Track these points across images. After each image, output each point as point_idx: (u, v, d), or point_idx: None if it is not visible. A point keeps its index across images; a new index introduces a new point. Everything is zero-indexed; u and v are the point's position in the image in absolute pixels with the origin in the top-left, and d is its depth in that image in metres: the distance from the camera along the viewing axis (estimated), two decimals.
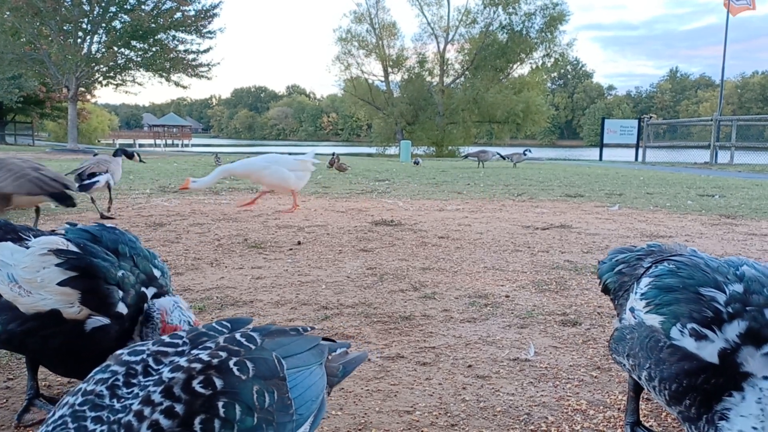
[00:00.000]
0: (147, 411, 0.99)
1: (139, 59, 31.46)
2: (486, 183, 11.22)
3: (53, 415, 1.03)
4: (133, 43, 30.74)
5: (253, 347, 1.16)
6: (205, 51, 34.07)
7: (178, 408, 1.00)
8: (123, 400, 1.03)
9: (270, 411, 1.08)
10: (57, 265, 1.60)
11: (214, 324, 1.26)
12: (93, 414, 1.00)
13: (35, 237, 1.77)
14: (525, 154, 18.48)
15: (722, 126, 21.94)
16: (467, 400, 2.02)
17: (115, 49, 29.99)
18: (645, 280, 1.61)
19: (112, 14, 30.06)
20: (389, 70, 46.03)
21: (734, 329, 1.33)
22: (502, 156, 19.38)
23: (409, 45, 50.51)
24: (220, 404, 1.02)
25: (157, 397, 1.01)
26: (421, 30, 50.57)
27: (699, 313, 1.38)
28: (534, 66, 45.52)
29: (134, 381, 1.06)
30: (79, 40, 29.50)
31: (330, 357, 1.40)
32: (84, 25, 29.70)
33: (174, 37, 31.83)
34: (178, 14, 30.52)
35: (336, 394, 2.05)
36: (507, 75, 45.18)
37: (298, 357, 1.24)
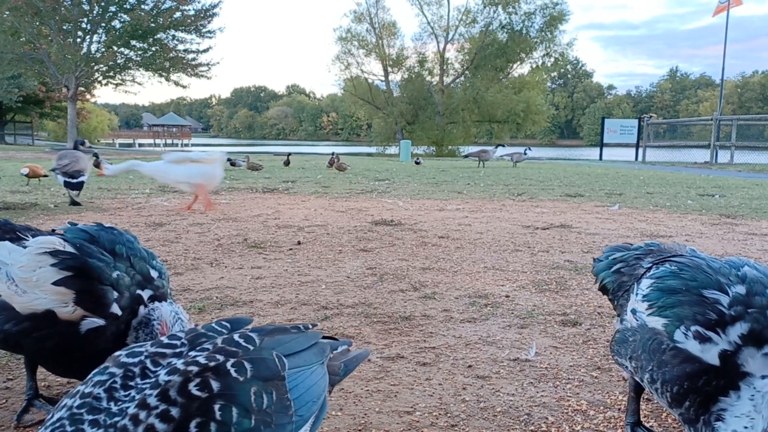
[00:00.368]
0: (143, 415, 0.98)
1: (138, 59, 31.44)
2: (486, 183, 11.21)
3: (51, 417, 1.03)
4: (133, 42, 30.73)
5: (252, 348, 1.15)
6: (205, 50, 34.09)
7: (174, 411, 0.99)
8: (120, 403, 1.02)
9: (268, 412, 1.07)
10: (52, 264, 1.61)
11: (213, 324, 1.25)
12: (90, 417, 1.00)
13: (33, 237, 1.77)
14: (525, 153, 18.48)
15: (722, 125, 21.94)
16: (467, 400, 2.02)
17: (115, 48, 29.98)
18: (646, 282, 1.60)
19: (111, 14, 30.04)
20: (389, 69, 46.00)
21: (737, 331, 1.32)
22: (500, 145, 19.52)
23: (409, 44, 50.43)
24: (217, 407, 1.01)
25: (153, 401, 1.00)
26: (421, 29, 50.58)
27: (703, 316, 1.38)
28: (534, 66, 45.53)
29: (132, 383, 1.05)
30: (78, 40, 29.49)
31: (332, 355, 1.38)
32: (83, 25, 29.69)
33: (173, 36, 31.82)
34: (178, 14, 30.51)
35: (336, 394, 2.04)
36: (507, 75, 45.15)
37: (299, 356, 1.23)
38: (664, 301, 1.49)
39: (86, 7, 28.96)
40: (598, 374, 2.25)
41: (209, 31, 31.88)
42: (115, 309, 1.61)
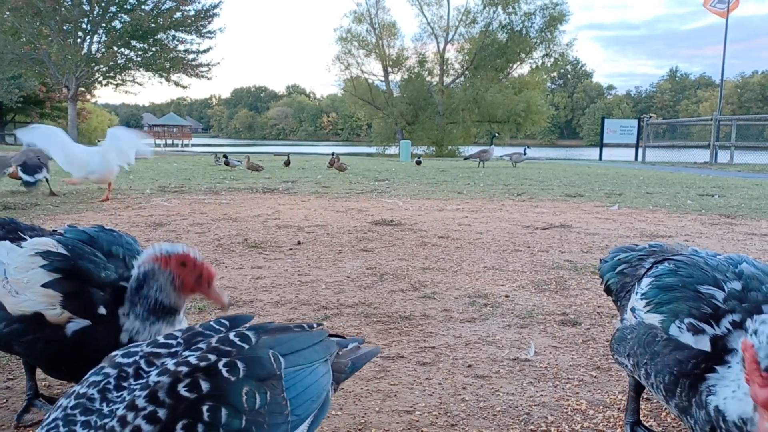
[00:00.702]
0: (130, 416, 0.98)
1: (138, 59, 31.48)
2: (486, 183, 11.22)
3: (48, 417, 1.03)
4: (133, 43, 30.77)
5: (247, 347, 1.14)
6: (205, 51, 34.13)
7: (161, 413, 0.98)
8: (112, 404, 1.02)
9: (261, 412, 1.06)
10: (42, 266, 1.62)
11: (212, 323, 1.24)
12: (83, 418, 1.00)
13: (33, 237, 1.79)
14: (525, 153, 18.48)
15: (722, 126, 21.94)
16: (467, 399, 2.02)
17: (115, 49, 30.02)
18: (646, 281, 1.62)
19: (112, 14, 30.08)
20: (389, 69, 45.99)
21: (728, 320, 1.35)
22: (496, 134, 19.68)
23: (409, 45, 50.48)
24: (205, 408, 1.01)
25: (141, 402, 1.00)
26: (421, 30, 50.52)
27: (698, 310, 1.40)
28: (534, 66, 45.52)
29: (125, 384, 1.05)
30: (78, 40, 29.52)
31: (340, 353, 1.37)
32: (84, 25, 29.73)
33: (174, 37, 31.87)
34: (178, 14, 30.55)
35: (336, 393, 2.05)
36: (507, 75, 45.14)
37: (299, 354, 1.21)
38: (661, 297, 1.51)
39: (86, 7, 28.99)
40: (598, 374, 2.25)
41: (209, 32, 31.94)
42: (102, 310, 1.61)
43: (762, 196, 8.96)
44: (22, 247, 1.69)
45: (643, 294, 1.59)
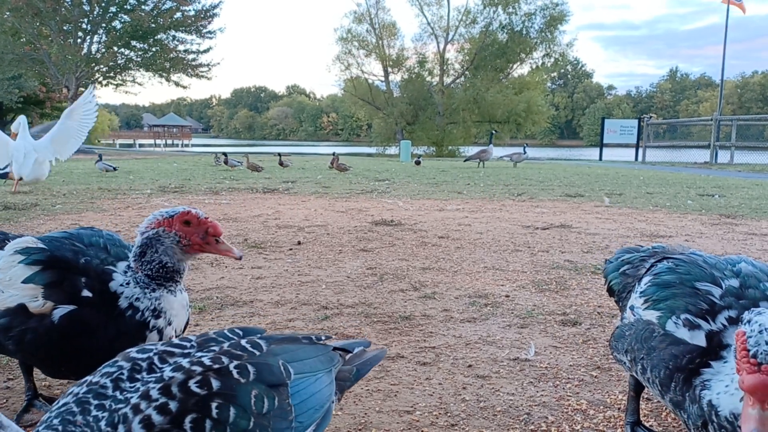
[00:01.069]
0: (143, 405, 1.01)
1: (139, 59, 31.49)
2: (486, 183, 11.22)
3: (57, 402, 1.06)
4: (133, 43, 30.77)
5: (258, 353, 1.18)
6: (205, 51, 34.07)
7: (172, 405, 1.01)
8: (126, 393, 1.05)
9: (267, 416, 1.09)
10: (20, 262, 1.66)
11: (225, 331, 1.27)
12: (97, 402, 1.03)
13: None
14: (524, 153, 18.48)
15: (722, 126, 21.93)
16: (467, 399, 2.02)
17: (115, 49, 30.02)
18: (645, 279, 1.63)
19: (112, 14, 30.08)
20: (389, 70, 45.97)
21: (725, 315, 1.35)
22: (494, 132, 19.81)
23: (409, 45, 50.41)
24: (214, 405, 1.03)
25: (154, 393, 1.03)
26: (421, 30, 50.46)
27: (694, 306, 1.41)
28: (534, 66, 45.50)
29: (138, 376, 1.08)
30: (79, 41, 29.53)
31: (343, 362, 1.39)
32: (84, 25, 29.73)
33: (174, 37, 31.87)
34: (178, 14, 30.55)
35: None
36: (507, 75, 45.12)
37: (304, 363, 1.24)
38: (659, 294, 1.52)
39: (87, 7, 29.00)
40: (598, 374, 2.25)
41: (209, 32, 31.94)
42: (86, 293, 1.63)
43: (762, 196, 8.95)
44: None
45: (642, 292, 1.60)
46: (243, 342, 1.20)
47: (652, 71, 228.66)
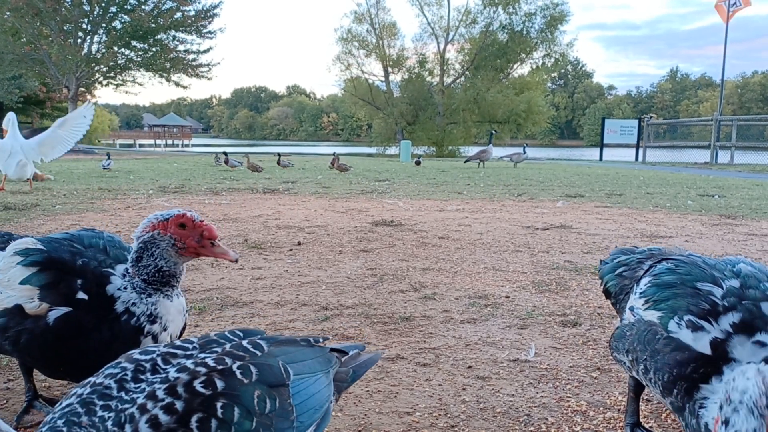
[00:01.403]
0: (150, 405, 1.03)
1: (139, 59, 31.49)
2: (486, 183, 11.22)
3: (60, 403, 1.06)
4: (134, 43, 30.78)
5: (259, 354, 1.19)
6: (205, 51, 34.07)
7: (178, 405, 1.03)
8: (131, 393, 1.06)
9: (270, 416, 1.10)
10: (18, 263, 1.67)
11: (226, 332, 1.29)
12: (102, 402, 1.04)
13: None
14: (524, 152, 18.48)
15: (722, 126, 21.92)
16: (467, 401, 2.02)
17: (116, 49, 30.03)
18: (644, 280, 1.63)
19: (112, 14, 30.09)
20: (389, 70, 45.96)
21: (729, 320, 1.34)
22: (494, 132, 19.94)
23: (409, 45, 50.45)
24: (219, 405, 1.05)
25: (160, 393, 1.04)
26: (422, 30, 50.43)
27: (696, 306, 1.40)
28: (534, 66, 45.49)
29: (142, 377, 1.09)
30: (79, 41, 29.54)
31: (340, 363, 1.40)
32: (84, 26, 29.74)
33: (174, 37, 31.87)
34: (178, 14, 30.56)
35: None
36: (507, 75, 45.12)
37: (303, 364, 1.26)
38: (660, 295, 1.51)
39: (87, 7, 29.00)
40: (598, 375, 2.25)
41: (210, 32, 31.94)
42: (81, 295, 1.63)
43: (762, 197, 8.95)
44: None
45: (641, 293, 1.59)
46: (244, 343, 1.22)
47: (653, 71, 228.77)
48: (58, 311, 1.61)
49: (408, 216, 6.43)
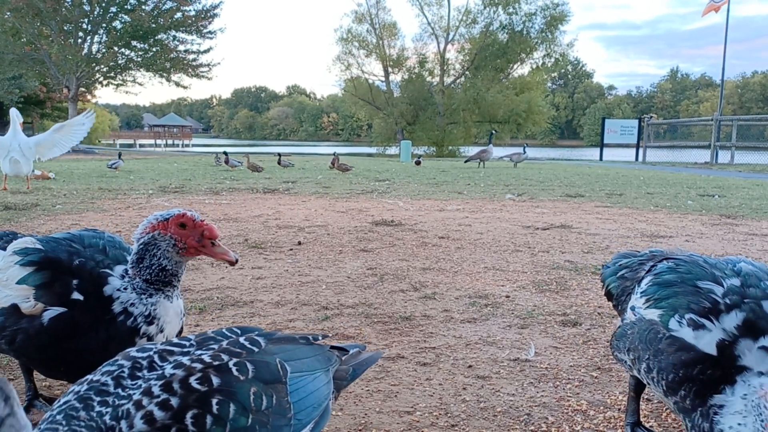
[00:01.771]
0: (145, 401, 1.03)
1: (139, 59, 31.49)
2: (486, 183, 11.22)
3: (58, 401, 1.07)
4: (134, 43, 30.78)
5: (256, 350, 1.19)
6: (206, 51, 34.05)
7: (173, 401, 1.03)
8: (127, 390, 1.07)
9: (266, 413, 1.10)
10: (16, 263, 1.68)
11: (223, 330, 1.29)
12: (99, 398, 1.05)
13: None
14: (524, 152, 18.48)
15: (723, 126, 21.92)
16: (467, 400, 2.02)
17: (116, 49, 30.03)
18: (645, 279, 1.63)
19: (112, 14, 30.09)
20: (389, 70, 45.95)
21: (732, 320, 1.35)
22: (494, 131, 20.04)
23: (409, 45, 50.48)
24: (214, 401, 1.05)
25: (156, 390, 1.05)
26: (422, 30, 50.47)
27: (697, 305, 1.41)
28: (534, 66, 45.48)
29: (139, 374, 1.10)
30: (79, 41, 29.54)
31: (340, 362, 1.40)
32: (84, 26, 29.74)
33: (174, 37, 31.86)
34: (179, 14, 30.55)
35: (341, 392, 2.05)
36: (507, 75, 45.12)
37: (302, 362, 1.25)
38: (660, 293, 1.52)
39: (87, 7, 29.00)
40: (598, 374, 2.25)
41: (210, 32, 31.93)
42: (76, 295, 1.63)
43: (763, 197, 8.95)
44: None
45: (642, 292, 1.60)
46: (241, 340, 1.22)
47: (653, 71, 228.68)
48: (53, 311, 1.61)
49: (408, 216, 6.43)
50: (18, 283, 1.64)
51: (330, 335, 2.65)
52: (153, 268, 1.61)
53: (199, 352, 1.15)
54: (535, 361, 2.37)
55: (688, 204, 7.87)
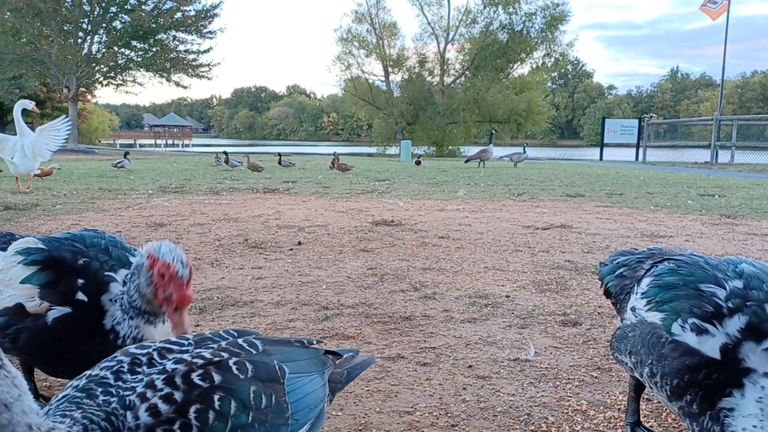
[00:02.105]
0: (149, 393, 1.04)
1: (139, 59, 31.47)
2: (486, 183, 11.21)
3: (56, 397, 1.07)
4: (134, 43, 30.76)
5: (255, 352, 1.21)
6: (206, 51, 34.01)
7: (177, 395, 1.04)
8: (128, 383, 1.08)
9: (265, 412, 1.11)
10: (19, 262, 1.68)
11: (220, 332, 1.30)
12: (101, 389, 1.05)
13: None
14: (524, 151, 18.47)
15: (723, 125, 21.91)
16: (467, 400, 2.02)
17: (116, 49, 30.01)
18: (646, 280, 1.62)
19: (112, 14, 30.07)
20: (390, 70, 45.94)
21: (735, 324, 1.34)
22: (494, 131, 20.10)
23: (409, 45, 50.49)
24: (216, 397, 1.06)
25: (159, 383, 1.06)
26: (422, 30, 50.48)
27: (699, 309, 1.40)
28: (534, 66, 45.48)
29: (139, 370, 1.11)
30: (79, 41, 29.52)
31: (335, 365, 1.41)
32: (84, 26, 29.72)
33: (174, 37, 31.83)
34: (179, 14, 30.53)
35: (337, 395, 2.05)
36: (507, 75, 45.11)
37: (298, 364, 1.27)
38: (662, 296, 1.50)
39: (87, 7, 28.98)
40: (599, 374, 2.25)
41: (210, 32, 31.90)
42: (81, 296, 1.63)
43: (763, 196, 8.95)
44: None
45: (643, 293, 1.58)
46: (240, 341, 1.23)
47: (654, 71, 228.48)
48: (58, 312, 1.61)
49: (408, 216, 6.43)
50: (22, 282, 1.64)
51: (329, 335, 2.65)
52: (131, 294, 1.59)
53: (198, 350, 1.16)
54: (535, 361, 2.37)
55: (689, 204, 7.87)
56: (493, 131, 21.52)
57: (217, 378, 1.08)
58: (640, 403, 1.84)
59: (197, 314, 2.90)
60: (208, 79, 33.17)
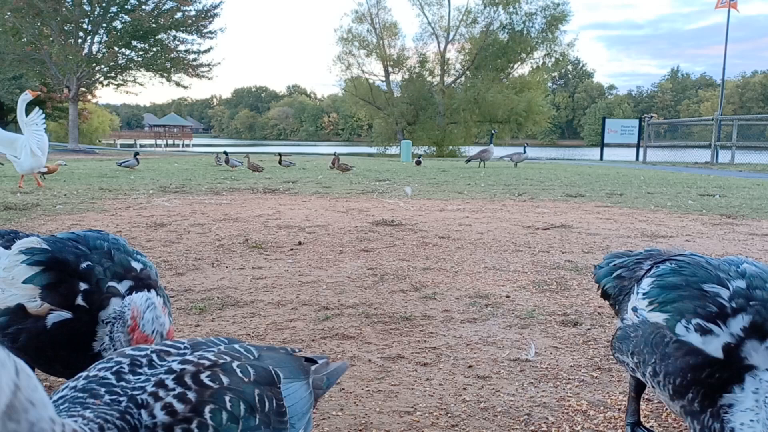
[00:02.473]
0: (162, 392, 1.04)
1: (139, 59, 31.47)
2: (487, 183, 11.21)
3: (50, 397, 1.04)
4: (134, 43, 30.76)
5: (252, 357, 1.22)
6: (206, 51, 33.97)
7: (190, 395, 1.04)
8: (132, 383, 1.06)
9: (268, 415, 1.12)
10: (22, 262, 1.68)
11: (212, 338, 1.30)
12: (105, 389, 1.04)
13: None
14: (524, 151, 18.47)
15: (723, 125, 21.90)
16: (468, 400, 2.02)
17: (116, 49, 30.01)
18: (647, 281, 1.61)
19: (112, 14, 30.08)
20: (390, 70, 45.95)
21: (739, 323, 1.34)
22: (494, 131, 20.17)
23: (409, 45, 50.59)
24: (227, 398, 1.06)
25: (170, 383, 1.05)
26: (422, 30, 50.38)
27: (703, 309, 1.40)
28: (535, 66, 45.48)
29: (140, 371, 1.09)
30: (79, 41, 29.53)
31: (314, 368, 1.42)
32: (85, 26, 29.73)
33: (175, 37, 31.83)
34: (179, 14, 30.52)
35: (336, 394, 2.05)
36: (508, 75, 45.11)
37: (289, 370, 1.28)
38: (665, 297, 1.50)
39: (87, 7, 28.99)
40: (599, 374, 2.25)
41: (210, 32, 31.89)
42: (81, 301, 1.63)
43: (763, 196, 8.95)
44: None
45: (645, 293, 1.58)
46: (236, 346, 1.24)
47: (655, 71, 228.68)
48: (58, 317, 1.61)
49: (408, 216, 6.43)
50: (24, 282, 1.64)
51: (329, 336, 2.65)
52: (114, 335, 1.63)
53: (198, 353, 1.16)
54: (536, 361, 2.37)
55: (689, 204, 7.86)
56: (494, 131, 21.57)
57: (225, 380, 1.08)
58: (641, 403, 1.84)
59: (197, 314, 2.90)
60: (209, 79, 33.18)
